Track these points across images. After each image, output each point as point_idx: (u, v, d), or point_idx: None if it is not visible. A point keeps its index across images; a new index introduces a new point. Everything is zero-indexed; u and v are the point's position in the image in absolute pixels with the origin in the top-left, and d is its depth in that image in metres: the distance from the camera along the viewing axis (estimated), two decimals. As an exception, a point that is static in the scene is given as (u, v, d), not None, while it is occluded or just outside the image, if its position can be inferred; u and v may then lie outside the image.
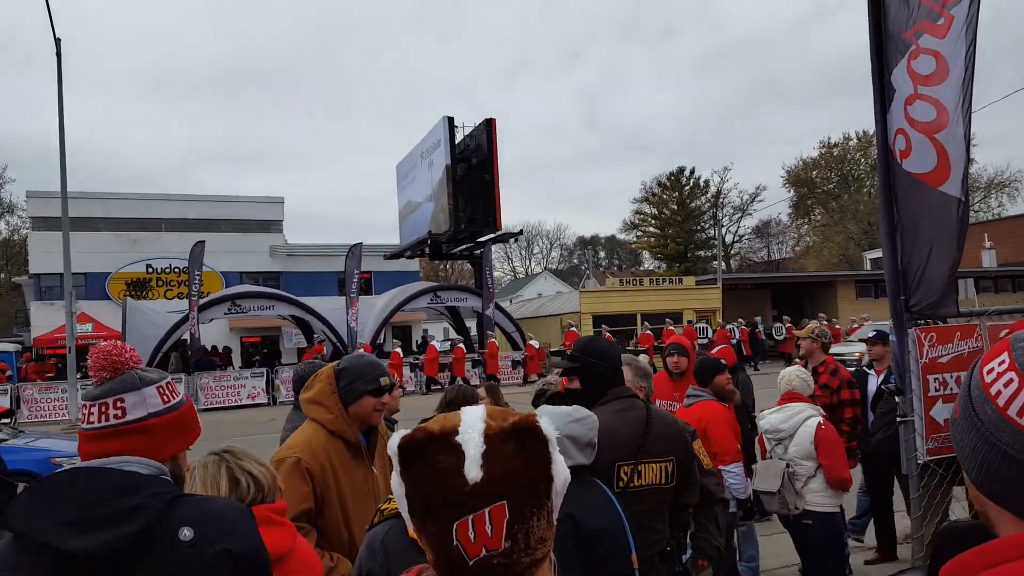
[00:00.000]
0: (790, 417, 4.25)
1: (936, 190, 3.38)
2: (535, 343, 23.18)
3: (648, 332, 23.34)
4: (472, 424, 0.95)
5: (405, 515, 0.98)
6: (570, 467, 2.10)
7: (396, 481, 0.98)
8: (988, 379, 0.83)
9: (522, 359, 23.15)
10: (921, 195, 3.41)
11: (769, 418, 4.40)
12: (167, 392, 1.50)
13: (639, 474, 2.60)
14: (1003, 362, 0.82)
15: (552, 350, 23.61)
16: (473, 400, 3.77)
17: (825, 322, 24.77)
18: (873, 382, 5.54)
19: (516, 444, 0.93)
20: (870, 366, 5.71)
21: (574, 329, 24.00)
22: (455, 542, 0.89)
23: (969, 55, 3.35)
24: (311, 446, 2.42)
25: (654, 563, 2.50)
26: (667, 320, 24.30)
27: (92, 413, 1.42)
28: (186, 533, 1.33)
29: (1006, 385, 0.80)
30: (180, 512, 1.36)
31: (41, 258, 29.99)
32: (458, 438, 0.93)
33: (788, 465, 4.21)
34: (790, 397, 4.38)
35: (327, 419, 2.49)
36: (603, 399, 2.77)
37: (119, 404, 1.42)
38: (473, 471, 0.89)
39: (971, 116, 3.43)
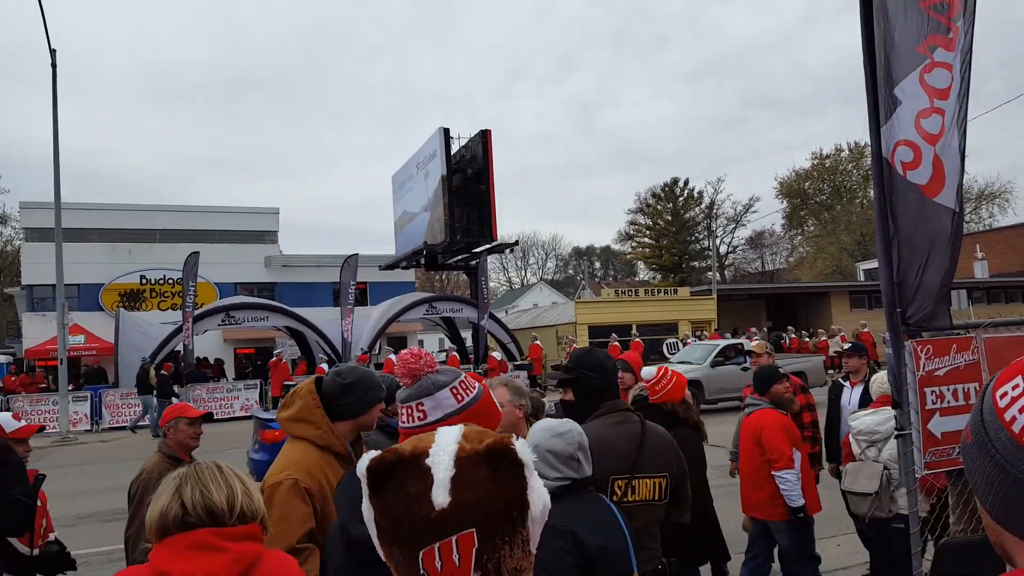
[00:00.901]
0: (887, 420, 4.21)
1: (931, 200, 3.37)
2: (497, 355, 22.72)
3: (616, 344, 23.27)
4: (444, 446, 0.90)
5: (375, 541, 0.92)
6: (575, 480, 2.07)
7: (366, 505, 0.92)
8: (1002, 404, 0.78)
9: (484, 371, 22.14)
10: (920, 206, 3.39)
11: (864, 420, 4.37)
12: (460, 391, 1.59)
13: (633, 489, 2.56)
14: (1017, 386, 0.78)
15: (553, 364, 23.38)
16: (542, 410, 3.71)
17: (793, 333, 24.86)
18: (847, 394, 5.45)
19: (489, 468, 0.87)
20: (846, 378, 5.62)
21: (538, 343, 23.76)
22: (422, 572, 0.84)
23: (966, 67, 3.37)
24: (306, 465, 2.40)
25: None
26: (612, 335, 24.43)
27: (404, 414, 1.59)
28: None
29: (1021, 411, 0.76)
30: None
31: (34, 269, 29.79)
32: (428, 461, 0.88)
33: (885, 467, 4.17)
34: (885, 400, 4.35)
35: (316, 435, 2.47)
36: (598, 412, 2.73)
37: (420, 408, 1.56)
38: (440, 496, 0.84)
39: (966, 127, 3.42)
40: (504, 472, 0.88)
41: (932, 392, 3.38)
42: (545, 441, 2.17)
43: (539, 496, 0.90)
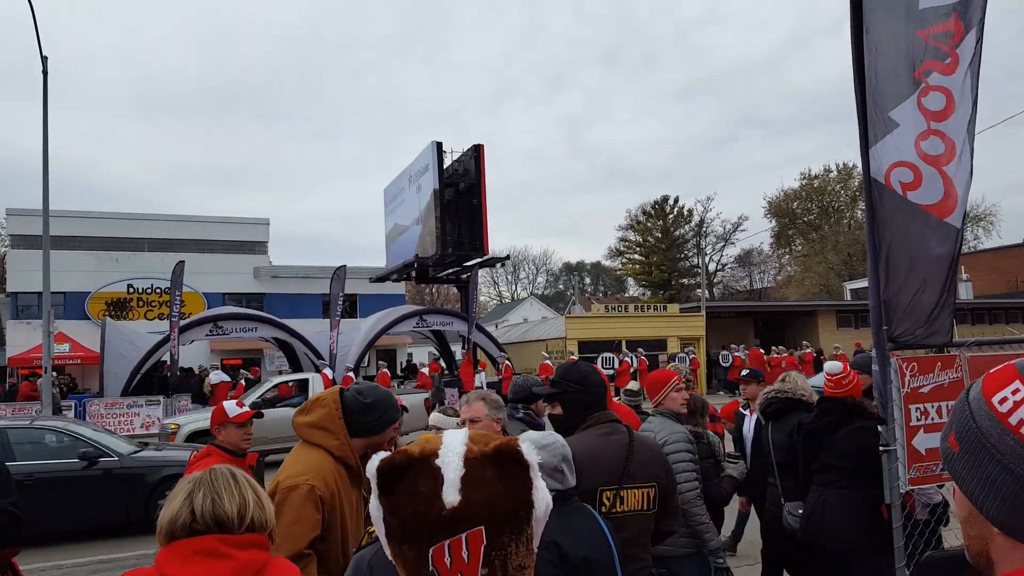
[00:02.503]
0: None
1: (942, 221, 3.49)
2: (426, 371, 22.38)
3: (573, 358, 23.47)
4: (453, 448, 0.94)
5: (382, 539, 0.96)
6: (559, 491, 2.11)
7: (374, 505, 0.96)
8: (1003, 409, 0.79)
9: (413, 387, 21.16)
10: (923, 225, 3.49)
11: None
12: None
13: (621, 500, 2.58)
14: (1017, 390, 0.79)
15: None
16: (704, 408, 4.42)
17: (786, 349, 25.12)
18: (748, 422, 5.29)
19: (497, 469, 0.91)
20: (746, 406, 5.47)
21: (508, 363, 23.41)
22: (431, 567, 0.87)
23: (974, 91, 3.52)
24: (322, 473, 2.42)
25: None
26: (543, 353, 24.66)
27: None
28: None
29: None
30: None
31: (19, 276, 29.52)
32: (438, 461, 0.92)
33: None
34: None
35: (333, 445, 2.50)
36: (585, 424, 2.78)
37: None
38: (451, 495, 0.88)
39: (974, 149, 3.55)
40: (511, 472, 0.92)
41: (917, 409, 3.44)
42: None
43: (543, 497, 0.94)
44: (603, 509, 2.52)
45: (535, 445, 2.20)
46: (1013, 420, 0.77)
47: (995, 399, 0.80)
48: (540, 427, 4.08)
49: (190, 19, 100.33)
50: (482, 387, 22.17)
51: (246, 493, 1.65)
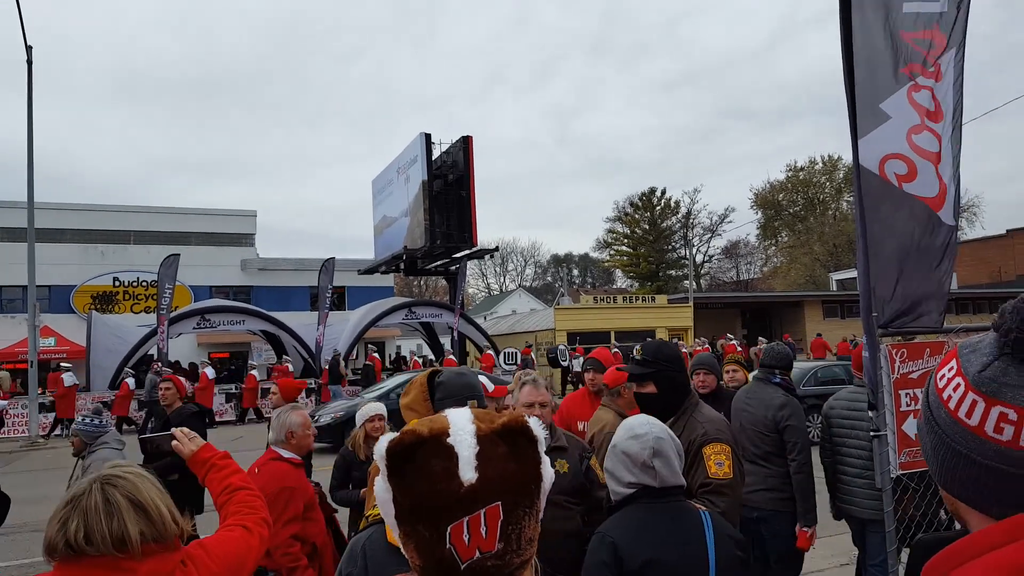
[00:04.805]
0: None
1: (936, 214, 3.58)
2: (292, 366, 21.48)
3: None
4: (462, 426, 0.94)
5: (390, 521, 0.95)
6: (648, 487, 1.94)
7: (381, 487, 0.95)
8: (940, 385, 0.87)
9: (238, 392, 20.23)
10: (914, 214, 3.56)
11: None
12: None
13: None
14: (952, 368, 0.86)
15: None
16: None
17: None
18: None
19: (507, 445, 0.92)
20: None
21: (375, 354, 23.05)
22: (448, 545, 0.88)
23: (958, 104, 3.62)
24: None
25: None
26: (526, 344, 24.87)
27: None
28: None
29: (955, 389, 0.84)
30: None
31: (2, 269, 29.15)
32: (450, 440, 0.91)
33: None
34: None
35: None
36: (691, 400, 2.80)
37: None
38: (468, 472, 0.88)
39: (960, 152, 3.67)
40: (521, 448, 0.92)
41: (907, 394, 3.48)
42: (622, 441, 2.06)
43: (547, 471, 0.96)
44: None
45: (630, 432, 2.04)
46: (945, 395, 0.85)
47: (938, 376, 0.88)
48: (795, 393, 4.13)
49: (171, 3, 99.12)
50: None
51: (122, 516, 1.50)
